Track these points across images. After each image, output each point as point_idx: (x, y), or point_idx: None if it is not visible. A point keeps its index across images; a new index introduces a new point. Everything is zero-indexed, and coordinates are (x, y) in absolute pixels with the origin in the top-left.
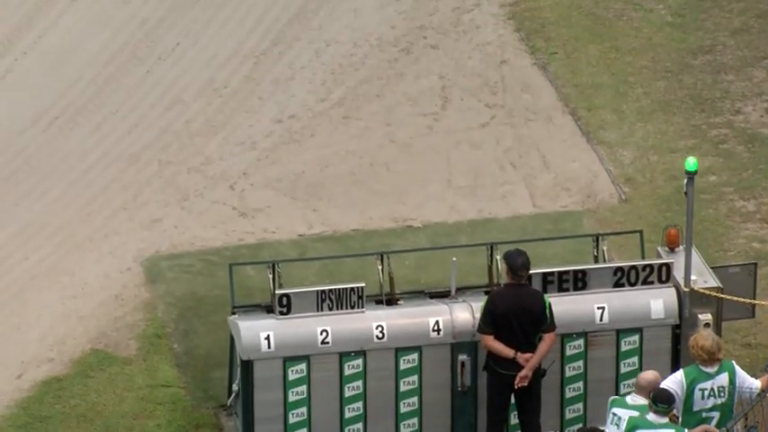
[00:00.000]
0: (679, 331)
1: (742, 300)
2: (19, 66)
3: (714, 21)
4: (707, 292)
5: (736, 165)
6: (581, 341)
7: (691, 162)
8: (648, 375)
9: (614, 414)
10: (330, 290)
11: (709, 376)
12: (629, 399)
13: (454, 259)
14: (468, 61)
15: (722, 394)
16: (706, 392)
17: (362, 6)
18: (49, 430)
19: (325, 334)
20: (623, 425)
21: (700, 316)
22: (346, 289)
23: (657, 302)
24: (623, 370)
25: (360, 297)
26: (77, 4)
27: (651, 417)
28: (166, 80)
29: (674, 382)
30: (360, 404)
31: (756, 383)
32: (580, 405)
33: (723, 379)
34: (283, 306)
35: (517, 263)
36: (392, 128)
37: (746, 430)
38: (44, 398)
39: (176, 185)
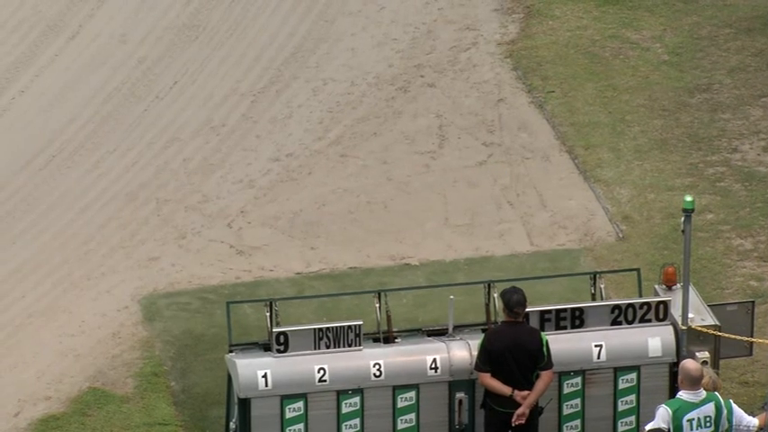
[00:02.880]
0: (676, 369)
1: (739, 338)
2: (16, 104)
3: (711, 59)
4: (704, 330)
5: (734, 203)
6: (578, 379)
7: (688, 200)
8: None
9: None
10: (327, 328)
11: (694, 406)
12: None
13: (452, 297)
14: (465, 100)
15: (708, 424)
16: (694, 423)
17: (360, 45)
18: None
19: (322, 372)
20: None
21: (697, 354)
22: (344, 327)
23: (655, 340)
24: (621, 408)
25: (357, 335)
26: (75, 43)
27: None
28: (164, 118)
29: (661, 417)
30: None
31: (754, 421)
32: None
33: (709, 409)
34: (281, 344)
35: (513, 301)
36: (389, 166)
37: None
38: None
39: (174, 224)
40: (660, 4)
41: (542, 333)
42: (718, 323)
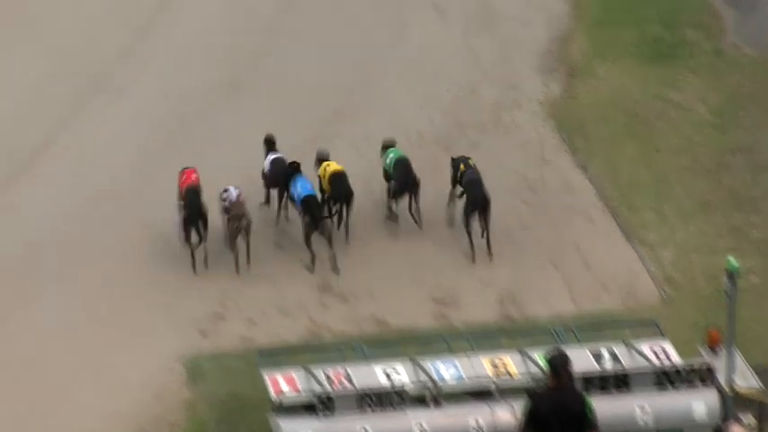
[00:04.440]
0: None
1: None
2: (62, 158)
3: (752, 119)
4: (749, 393)
5: None
6: None
7: (732, 262)
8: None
9: None
10: (372, 390)
11: None
12: None
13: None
14: (508, 159)
15: None
16: None
17: (403, 104)
18: None
19: None
20: None
21: (742, 418)
22: (388, 389)
23: (699, 404)
24: None
25: (401, 397)
26: (120, 100)
27: None
28: (205, 175)
29: None
30: None
31: None
32: None
33: None
34: (325, 406)
35: (557, 363)
36: (432, 224)
37: None
38: None
39: (218, 284)
40: (702, 64)
41: (587, 396)
42: (763, 387)
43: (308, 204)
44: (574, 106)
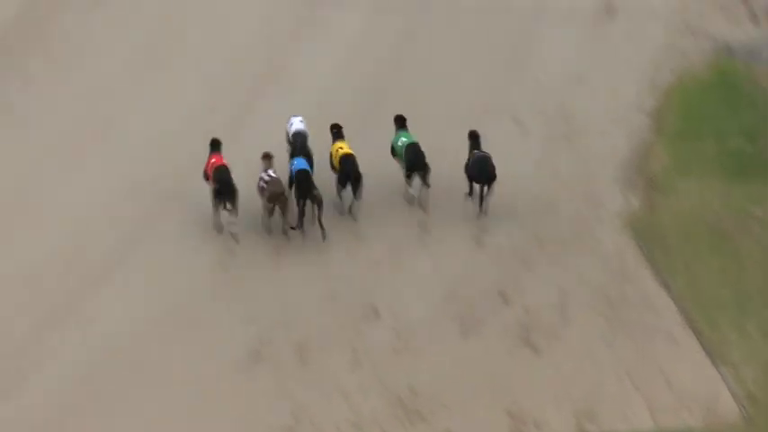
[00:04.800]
0: None
1: None
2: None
3: None
4: None
5: None
6: None
7: None
8: None
9: None
10: None
11: None
12: None
13: None
14: (588, 275)
15: None
16: None
17: (481, 218)
18: None
19: None
20: None
21: None
22: None
23: None
24: None
25: None
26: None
27: None
28: None
29: None
30: None
31: None
32: None
33: None
34: None
35: None
36: (512, 339)
37: None
38: None
39: (294, 398)
40: None
41: None
42: None
43: (298, 178)
44: (654, 220)
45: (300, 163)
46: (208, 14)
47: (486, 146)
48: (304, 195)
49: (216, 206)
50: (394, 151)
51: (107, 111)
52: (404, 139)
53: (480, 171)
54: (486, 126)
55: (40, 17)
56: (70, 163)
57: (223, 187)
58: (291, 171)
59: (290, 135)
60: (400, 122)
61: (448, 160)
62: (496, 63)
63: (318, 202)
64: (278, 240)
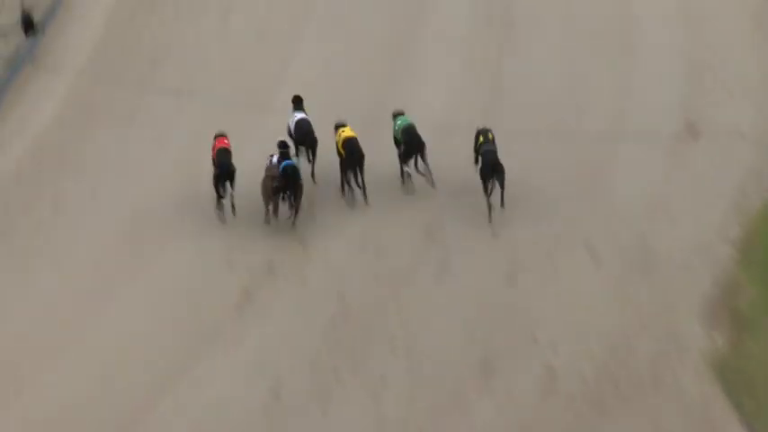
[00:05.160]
0: None
1: None
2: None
3: None
4: None
5: None
6: None
7: None
8: None
9: None
10: None
11: None
12: None
13: None
14: (668, 423)
15: None
16: None
17: (557, 355)
18: None
19: None
20: None
21: None
22: None
23: None
24: None
25: None
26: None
27: None
28: None
29: None
30: None
31: None
32: None
33: None
34: None
35: None
36: None
37: None
38: None
39: None
40: None
41: None
42: None
43: (284, 171)
44: (741, 361)
45: (288, 160)
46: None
47: (555, 277)
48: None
49: (217, 189)
50: (396, 140)
51: (143, 242)
52: (399, 122)
53: (490, 166)
54: (557, 255)
55: (73, 133)
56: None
57: (222, 170)
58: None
59: (292, 127)
60: (397, 113)
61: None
62: (568, 188)
63: (299, 193)
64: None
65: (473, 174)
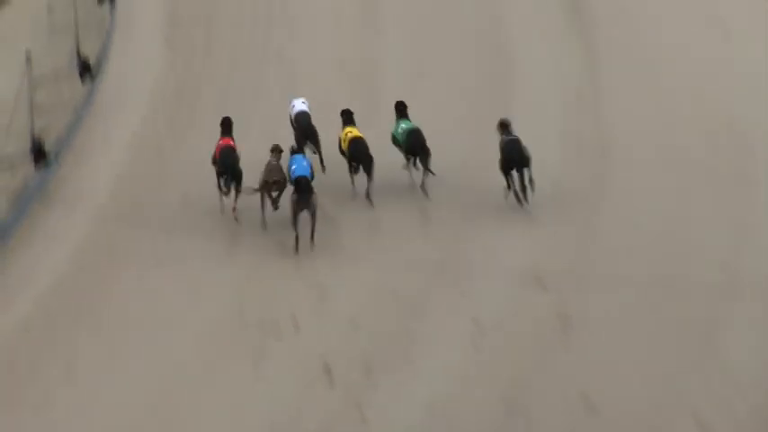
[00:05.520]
0: None
1: None
2: None
3: None
4: None
5: None
6: None
7: None
8: None
9: None
10: None
11: None
12: None
13: None
14: None
15: None
16: None
17: None
18: None
19: None
20: None
21: None
22: None
23: None
24: None
25: None
26: None
27: None
28: None
29: None
30: None
31: None
32: None
33: None
34: None
35: None
36: None
37: None
38: None
39: None
40: None
41: None
42: None
43: (297, 183)
44: None
45: (300, 167)
46: None
47: None
48: (302, 204)
49: (220, 187)
50: (395, 140)
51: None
52: (404, 126)
53: (514, 155)
54: (662, 429)
55: (90, 281)
56: None
57: (224, 168)
58: (291, 172)
59: (293, 117)
60: (401, 111)
61: None
62: (672, 350)
63: (313, 211)
64: None
65: None
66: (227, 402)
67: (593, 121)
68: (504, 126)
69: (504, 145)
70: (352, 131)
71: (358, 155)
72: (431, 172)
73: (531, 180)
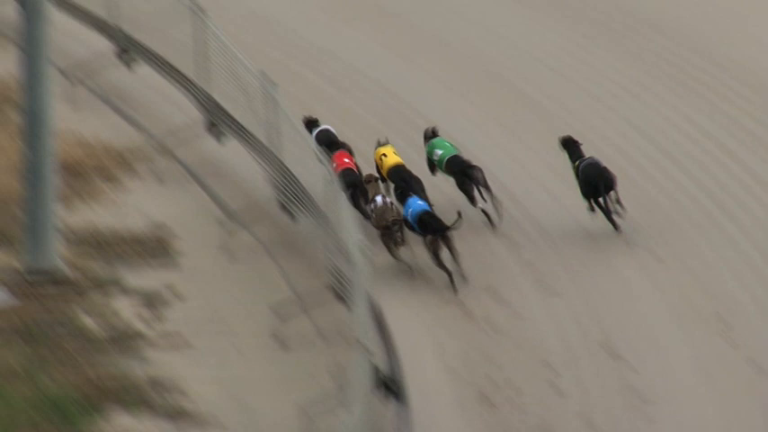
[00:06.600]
0: None
1: None
2: None
3: None
4: None
5: None
6: None
7: None
8: None
9: None
10: None
11: None
12: None
13: None
14: None
15: None
16: None
17: None
18: None
19: None
20: None
21: None
22: None
23: None
24: None
25: None
26: None
27: None
28: None
29: None
30: None
31: None
32: None
33: None
34: None
35: None
36: None
37: None
38: None
39: None
40: None
41: None
42: None
43: (423, 222)
44: None
45: (416, 206)
46: None
47: None
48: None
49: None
50: (432, 164)
51: None
52: (439, 151)
53: (595, 180)
54: None
55: None
56: None
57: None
58: (408, 215)
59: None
60: (431, 134)
61: None
62: None
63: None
64: None
65: None
66: None
67: None
68: (568, 144)
69: (583, 169)
70: (386, 155)
71: (401, 181)
72: (488, 189)
73: (618, 202)
